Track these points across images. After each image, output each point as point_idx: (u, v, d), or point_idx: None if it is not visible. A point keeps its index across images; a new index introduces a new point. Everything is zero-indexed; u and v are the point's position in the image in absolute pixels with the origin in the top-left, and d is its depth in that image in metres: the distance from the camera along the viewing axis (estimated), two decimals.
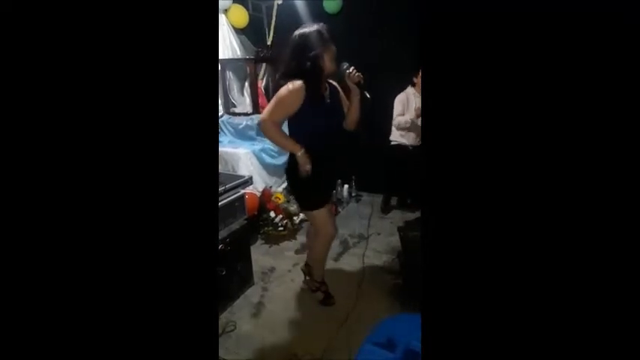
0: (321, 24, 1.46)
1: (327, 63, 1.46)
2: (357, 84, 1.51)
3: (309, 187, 1.58)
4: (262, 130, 1.53)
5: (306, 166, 1.49)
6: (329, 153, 1.56)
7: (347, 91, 1.59)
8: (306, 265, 1.93)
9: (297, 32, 1.46)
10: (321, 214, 1.63)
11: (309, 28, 1.44)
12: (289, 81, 1.42)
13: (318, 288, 1.85)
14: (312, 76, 1.44)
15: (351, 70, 1.50)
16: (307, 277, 1.92)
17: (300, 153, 1.48)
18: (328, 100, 1.53)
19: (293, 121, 1.54)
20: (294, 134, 1.54)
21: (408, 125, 2.70)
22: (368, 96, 1.51)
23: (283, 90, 1.43)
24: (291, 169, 1.60)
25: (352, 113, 1.60)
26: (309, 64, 1.42)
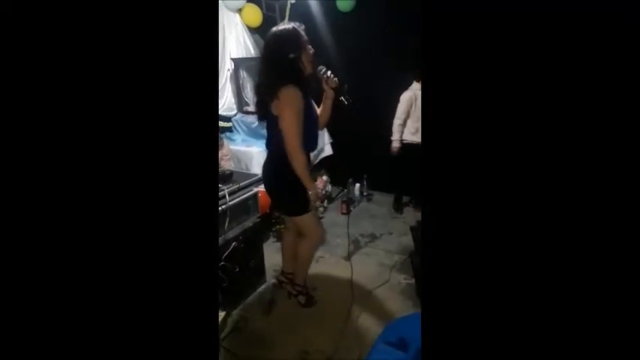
0: (297, 23, 1.41)
1: (306, 65, 1.41)
2: (335, 89, 1.48)
3: (297, 192, 1.52)
4: (294, 161, 1.43)
5: (317, 201, 1.47)
6: (313, 151, 1.57)
7: (322, 94, 1.55)
8: (282, 272, 1.94)
9: (271, 32, 1.40)
10: (309, 217, 1.60)
11: (284, 26, 1.39)
12: (276, 88, 1.35)
13: (300, 292, 1.82)
14: (298, 79, 1.38)
15: (329, 75, 1.45)
16: (285, 284, 1.91)
17: (313, 190, 1.48)
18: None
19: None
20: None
21: (401, 130, 2.70)
22: (346, 102, 1.46)
23: (285, 103, 1.35)
24: (275, 174, 1.55)
25: (324, 115, 1.57)
26: (286, 67, 1.36)
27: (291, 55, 1.36)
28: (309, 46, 1.42)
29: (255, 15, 3.14)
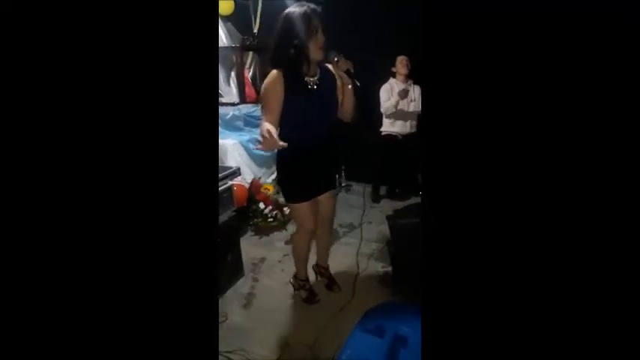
0: (311, 6, 1.35)
1: (313, 52, 1.36)
2: (347, 72, 1.41)
3: (292, 179, 1.53)
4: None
5: (265, 133, 1.22)
6: (317, 144, 1.47)
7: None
8: (317, 265, 1.93)
9: (284, 13, 1.36)
10: (301, 207, 1.57)
11: (298, 8, 1.34)
12: (271, 69, 1.37)
13: (302, 286, 1.81)
14: (293, 64, 1.36)
15: (338, 58, 1.41)
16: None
17: (263, 127, 1.27)
18: (315, 87, 1.43)
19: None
20: (282, 125, 1.42)
21: (394, 110, 2.72)
22: (357, 84, 1.43)
23: (263, 86, 1.39)
24: (279, 160, 1.56)
25: (346, 102, 1.49)
26: (292, 51, 1.33)
27: (296, 41, 1.32)
28: (320, 33, 1.35)
29: (227, 3, 3.04)
